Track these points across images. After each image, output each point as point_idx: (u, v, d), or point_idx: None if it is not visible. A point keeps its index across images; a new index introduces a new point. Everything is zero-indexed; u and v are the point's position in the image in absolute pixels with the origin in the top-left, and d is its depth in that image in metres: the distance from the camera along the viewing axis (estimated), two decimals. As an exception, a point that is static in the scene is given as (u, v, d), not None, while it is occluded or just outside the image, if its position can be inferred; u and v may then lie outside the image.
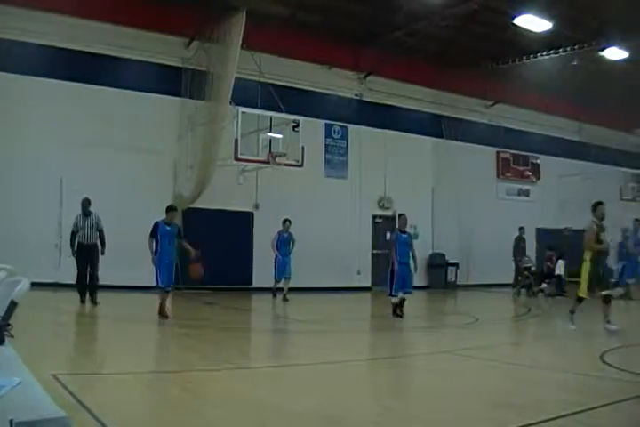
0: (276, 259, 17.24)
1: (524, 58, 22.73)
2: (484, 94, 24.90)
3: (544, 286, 20.65)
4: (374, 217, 22.36)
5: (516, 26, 20.75)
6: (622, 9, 22.09)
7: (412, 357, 9.33)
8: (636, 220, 21.16)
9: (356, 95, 22.15)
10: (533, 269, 21.73)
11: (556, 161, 27.30)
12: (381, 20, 20.42)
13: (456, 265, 23.33)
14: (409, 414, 5.59)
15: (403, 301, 13.23)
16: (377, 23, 20.60)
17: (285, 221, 17.43)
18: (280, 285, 17.35)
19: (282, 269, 17.21)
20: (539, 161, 27.32)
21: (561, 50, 22.15)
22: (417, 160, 23.19)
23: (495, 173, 26.18)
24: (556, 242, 21.85)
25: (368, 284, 21.49)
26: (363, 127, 22.01)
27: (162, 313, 11.71)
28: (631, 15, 21.93)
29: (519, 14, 20.16)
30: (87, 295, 13.69)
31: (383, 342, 11.00)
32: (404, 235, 13.68)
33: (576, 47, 21.93)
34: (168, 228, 11.92)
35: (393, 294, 13.21)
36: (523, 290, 21.06)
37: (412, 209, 22.54)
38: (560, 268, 20.70)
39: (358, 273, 21.09)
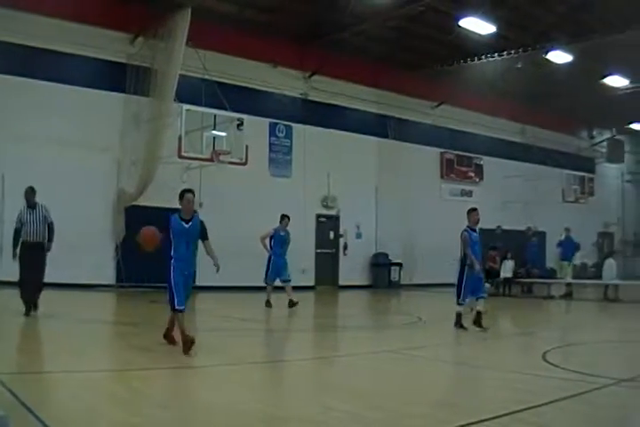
0: (269, 260, 16.00)
1: (469, 60, 24.25)
2: (429, 95, 26.40)
3: (487, 285, 21.92)
4: (318, 216, 23.57)
5: (461, 28, 22.15)
6: (566, 13, 23.73)
7: (355, 356, 9.41)
8: (566, 229, 22.61)
9: (301, 94, 23.26)
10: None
11: (499, 162, 28.95)
12: (327, 19, 21.61)
13: (400, 265, 24.65)
14: (350, 413, 5.72)
15: (479, 313, 12.04)
16: (323, 23, 21.79)
17: (284, 217, 16.31)
18: (270, 289, 16.06)
19: (277, 272, 15.97)
20: (482, 162, 29.00)
21: (505, 52, 23.71)
22: (361, 160, 24.41)
23: (439, 173, 27.68)
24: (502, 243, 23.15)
25: (312, 283, 22.68)
26: (307, 126, 23.14)
27: (168, 336, 9.18)
28: (575, 19, 23.60)
29: (464, 17, 21.57)
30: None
31: (327, 342, 11.40)
32: (474, 233, 12.36)
33: (520, 50, 23.51)
34: (186, 225, 8.68)
35: (459, 302, 12.04)
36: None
37: (355, 209, 23.97)
38: (507, 268, 22.05)
39: (302, 272, 22.06)
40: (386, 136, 25.27)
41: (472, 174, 28.68)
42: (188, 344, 8.32)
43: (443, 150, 27.72)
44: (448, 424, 5.32)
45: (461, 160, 28.31)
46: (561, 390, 6.67)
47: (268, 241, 15.98)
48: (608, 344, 11.11)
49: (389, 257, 24.42)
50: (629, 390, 7.05)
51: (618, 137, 36.31)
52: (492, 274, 22.32)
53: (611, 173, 37.25)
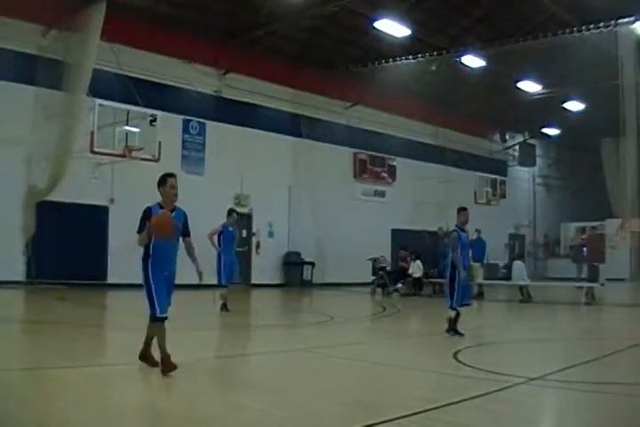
0: (219, 259, 15.11)
1: (384, 61, 25.38)
2: (344, 96, 27.44)
3: (399, 285, 23.18)
4: (231, 214, 24.03)
5: (376, 30, 23.31)
6: (481, 18, 25.10)
7: (267, 354, 9.64)
8: (477, 230, 23.87)
9: (216, 92, 23.92)
10: (388, 269, 24.19)
11: (412, 164, 30.25)
12: (242, 18, 22.47)
13: (312, 264, 25.58)
14: (261, 411, 5.91)
15: (458, 315, 11.83)
16: (238, 21, 22.60)
17: (232, 211, 15.78)
18: (227, 291, 15.25)
19: (231, 271, 15.23)
20: (395, 163, 30.24)
21: (420, 55, 24.89)
22: (275, 159, 25.27)
23: (352, 173, 28.75)
24: (412, 243, 24.30)
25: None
26: (221, 124, 23.82)
27: (146, 356, 7.77)
28: (489, 24, 24.97)
29: (379, 18, 22.77)
30: None
31: (238, 340, 11.63)
32: (464, 233, 12.08)
33: (435, 53, 24.76)
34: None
35: (453, 306, 11.69)
36: (378, 289, 23.59)
37: (268, 207, 24.76)
38: (416, 268, 23.12)
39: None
40: (300, 135, 26.14)
41: (385, 175, 29.82)
42: (169, 365, 7.19)
43: (356, 151, 28.75)
44: (359, 423, 5.46)
45: (374, 161, 29.40)
46: (472, 389, 6.94)
47: (216, 238, 15.11)
48: (518, 344, 11.66)
49: (302, 256, 25.32)
50: (539, 388, 7.37)
51: (530, 141, 38.32)
52: (403, 274, 23.47)
53: (522, 176, 39.26)
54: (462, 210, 12.22)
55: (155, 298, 7.42)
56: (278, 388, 7.05)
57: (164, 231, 7.49)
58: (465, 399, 6.46)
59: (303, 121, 26.32)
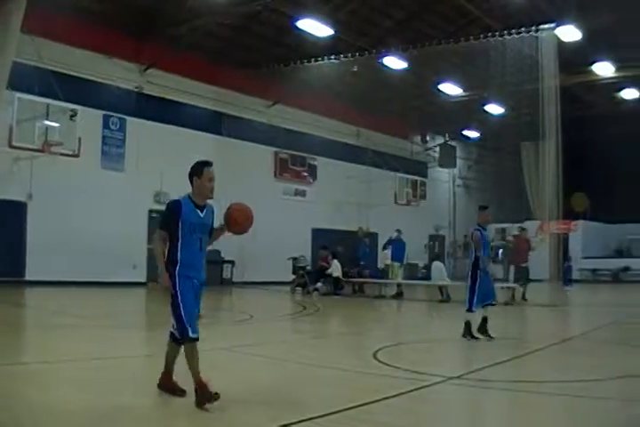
0: None
1: (306, 61, 26.24)
2: (265, 94, 28.35)
3: (319, 284, 24.12)
4: (151, 211, 24.66)
5: (299, 29, 24.24)
6: (403, 20, 26.23)
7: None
8: (397, 230, 24.97)
9: (137, 88, 24.46)
10: (308, 268, 25.12)
11: (333, 163, 31.33)
12: (164, 13, 23.14)
13: (232, 262, 26.37)
14: (180, 409, 6.11)
15: (485, 319, 11.58)
16: (160, 16, 23.27)
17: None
18: None
19: None
20: (316, 162, 31.32)
21: (342, 56, 25.82)
22: (196, 156, 24.96)
23: (273, 172, 29.65)
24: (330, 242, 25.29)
25: (143, 279, 23.88)
26: (142, 120, 24.38)
27: (168, 384, 6.70)
28: (412, 26, 26.13)
29: (302, 18, 23.71)
30: None
31: (160, 338, 11.90)
32: (485, 232, 11.97)
33: (357, 54, 25.71)
34: (201, 215, 6.56)
35: (472, 309, 11.47)
36: (298, 288, 24.55)
37: None
38: (335, 268, 24.07)
39: (134, 267, 23.42)
40: (221, 133, 26.81)
41: (306, 174, 30.84)
42: (207, 394, 6.05)
43: (277, 150, 29.62)
44: (278, 421, 5.57)
45: (295, 160, 30.35)
46: (392, 388, 7.12)
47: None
48: (438, 343, 11.96)
49: (222, 255, 25.82)
50: (457, 387, 7.62)
51: (450, 142, 39.83)
52: (323, 273, 24.39)
53: (442, 178, 40.92)
54: (483, 209, 12.19)
55: (183, 314, 6.34)
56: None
57: (243, 227, 6.84)
58: (384, 398, 6.65)
59: (225, 119, 27.09)
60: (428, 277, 25.53)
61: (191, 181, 6.58)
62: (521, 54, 23.85)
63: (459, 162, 41.24)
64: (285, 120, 29.28)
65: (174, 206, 6.49)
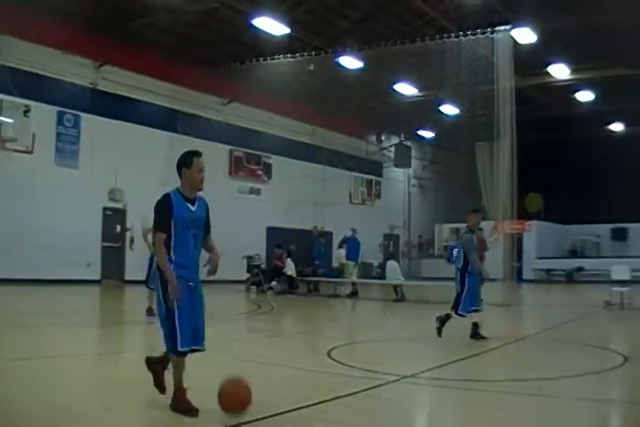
0: (151, 259, 13.70)
1: (262, 59, 26.42)
2: (221, 92, 28.58)
3: (273, 283, 24.47)
4: (105, 209, 24.92)
5: (254, 27, 24.49)
6: (359, 20, 26.65)
7: (143, 351, 9.25)
8: (352, 229, 25.38)
9: (91, 84, 24.47)
10: (263, 266, 25.45)
11: (288, 162, 31.70)
12: (120, 9, 23.15)
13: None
14: (129, 410, 6.16)
15: (448, 317, 11.80)
16: (115, 12, 23.25)
17: None
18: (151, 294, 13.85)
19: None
20: (271, 161, 31.65)
21: (298, 54, 26.08)
22: (150, 154, 25.69)
23: (228, 170, 29.89)
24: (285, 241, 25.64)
25: (98, 277, 24.09)
26: (97, 117, 24.41)
27: (183, 402, 6.10)
28: (367, 26, 26.54)
29: (258, 16, 23.94)
30: None
31: (114, 336, 12.18)
32: (474, 235, 12.01)
33: (313, 53, 25.96)
34: (192, 209, 6.24)
35: (460, 312, 11.58)
36: (253, 287, 24.88)
37: (142, 203, 24.96)
38: (289, 267, 24.42)
39: (88, 265, 23.52)
40: (176, 131, 26.83)
41: (261, 173, 31.13)
42: (193, 411, 5.91)
43: (232, 148, 29.89)
44: (232, 421, 5.64)
45: (250, 158, 30.63)
46: (346, 387, 7.24)
47: (151, 237, 14.59)
48: (392, 342, 12.15)
49: None
50: (411, 385, 7.80)
51: (405, 142, 40.48)
52: (278, 272, 24.76)
53: (397, 177, 41.52)
54: (474, 212, 12.19)
55: (177, 325, 5.88)
56: (149, 387, 6.88)
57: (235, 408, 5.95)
58: (338, 397, 6.75)
59: (180, 116, 27.18)
60: (382, 276, 25.83)
61: (179, 173, 6.25)
62: (476, 55, 24.29)
63: (414, 162, 41.84)
64: (241, 118, 29.53)
65: (166, 201, 6.07)
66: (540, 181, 38.53)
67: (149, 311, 13.80)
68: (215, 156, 28.59)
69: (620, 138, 40.47)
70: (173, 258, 6.02)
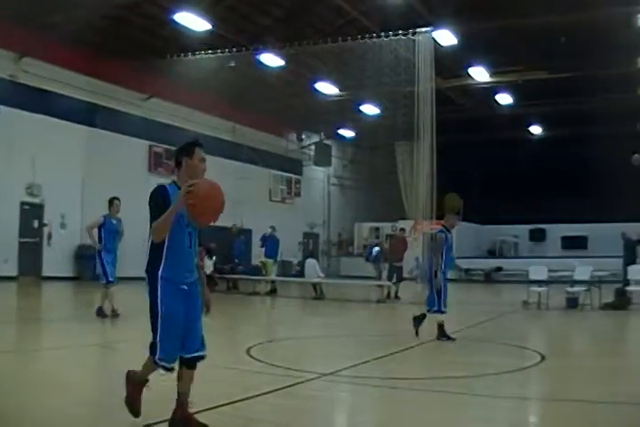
0: (99, 255, 14.51)
1: (183, 55, 26.83)
2: (141, 87, 28.76)
3: (194, 281, 24.75)
4: (22, 204, 24.76)
5: (176, 22, 24.79)
6: (281, 18, 27.23)
7: (62, 349, 9.87)
8: (272, 227, 25.96)
9: (11, 76, 24.35)
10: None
11: (208, 159, 31.19)
12: (42, 1, 23.01)
13: (106, 257, 26.33)
14: (53, 409, 6.27)
15: (424, 316, 12.24)
16: (37, 4, 23.02)
17: (114, 199, 14.76)
18: (107, 294, 14.36)
19: (110, 272, 14.36)
20: (191, 157, 31.52)
21: (219, 51, 26.51)
22: (69, 148, 25.95)
23: (147, 166, 30.05)
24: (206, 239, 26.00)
25: (14, 273, 23.95)
26: (15, 110, 24.19)
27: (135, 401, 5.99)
28: (289, 24, 27.14)
29: (179, 11, 24.24)
30: None
31: (33, 334, 12.10)
32: (450, 235, 12.28)
33: (234, 50, 26.44)
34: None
35: (443, 309, 12.02)
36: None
37: (61, 198, 25.40)
38: (208, 265, 24.89)
39: (5, 262, 23.45)
40: (96, 125, 26.98)
41: (179, 169, 31.16)
42: (131, 407, 5.86)
43: (152, 144, 30.06)
44: (147, 420, 5.70)
45: (170, 155, 30.36)
46: (265, 384, 7.39)
47: (96, 232, 14.33)
48: (311, 340, 12.43)
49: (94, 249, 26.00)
50: (331, 383, 7.98)
51: (325, 141, 41.13)
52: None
53: (317, 176, 42.18)
54: (454, 213, 12.81)
55: (160, 331, 5.53)
56: (73, 384, 7.06)
57: (211, 215, 5.71)
58: (257, 395, 6.88)
59: (100, 111, 27.28)
60: (302, 274, 26.27)
61: (178, 164, 5.87)
62: (398, 56, 25.03)
63: (334, 161, 42.58)
64: (161, 114, 29.74)
65: (162, 193, 5.62)
66: (459, 182, 39.64)
67: (109, 313, 13.96)
68: (134, 151, 28.87)
69: (538, 140, 42.14)
70: (165, 257, 5.61)
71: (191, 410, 5.67)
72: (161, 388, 5.91)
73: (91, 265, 25.72)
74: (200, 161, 5.83)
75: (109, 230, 14.39)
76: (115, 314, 14.04)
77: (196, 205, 5.42)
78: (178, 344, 5.59)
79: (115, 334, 12.31)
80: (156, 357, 5.54)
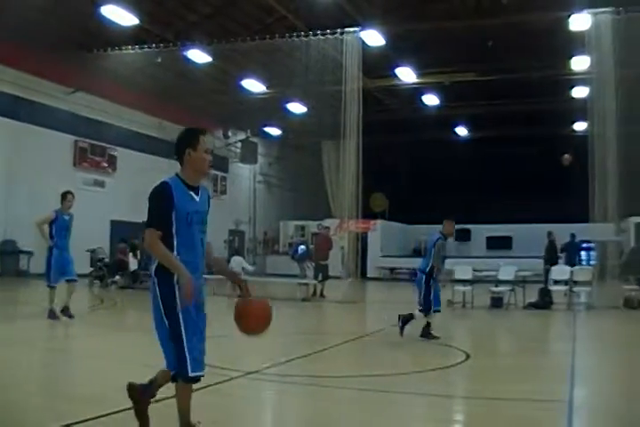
0: (50, 253, 13.79)
1: (110, 49, 26.98)
2: (67, 81, 28.67)
3: (117, 277, 25.11)
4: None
5: (102, 16, 24.75)
6: (209, 14, 27.52)
7: None
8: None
9: None
10: (107, 260, 26.01)
11: (134, 155, 32.18)
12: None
13: (30, 253, 26.12)
14: None
15: (412, 317, 12.55)
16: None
17: (67, 193, 14.19)
18: (54, 294, 13.76)
19: (62, 269, 13.72)
20: (117, 153, 32.01)
21: (146, 46, 26.73)
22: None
23: (72, 161, 30.01)
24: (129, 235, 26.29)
25: None
26: None
27: None
28: (217, 21, 27.46)
29: (106, 4, 24.23)
30: None
31: None
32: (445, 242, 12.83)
33: (162, 45, 26.66)
34: (197, 198, 5.41)
35: (435, 309, 12.53)
36: (96, 281, 25.32)
37: None
38: (133, 261, 25.18)
39: None
40: (19, 119, 26.81)
41: (106, 165, 31.40)
42: None
43: (77, 138, 30.00)
44: (63, 420, 5.61)
45: (95, 150, 30.81)
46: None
47: (47, 228, 13.70)
48: (236, 338, 10.98)
49: (18, 245, 25.99)
50: (256, 381, 8.11)
51: (252, 139, 41.42)
52: (121, 266, 25.40)
53: (243, 173, 42.55)
54: (450, 220, 12.92)
55: (185, 343, 5.13)
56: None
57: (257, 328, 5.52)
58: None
59: (23, 104, 27.08)
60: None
61: (180, 156, 5.36)
62: (325, 56, 25.57)
63: (260, 158, 42.91)
64: (86, 108, 29.70)
65: (165, 191, 5.17)
66: (386, 182, 40.51)
67: (51, 312, 13.41)
68: (59, 146, 28.78)
69: (465, 141, 43.22)
70: (178, 257, 5.12)
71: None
72: (86, 388, 6.23)
73: (13, 261, 25.98)
74: (206, 152, 5.32)
75: (61, 226, 13.70)
76: (68, 314, 13.50)
77: (235, 320, 5.35)
78: (203, 348, 5.25)
79: (33, 332, 12.06)
80: (189, 374, 5.11)
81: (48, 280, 13.66)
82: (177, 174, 5.33)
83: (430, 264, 12.38)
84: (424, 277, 12.43)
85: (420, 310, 12.40)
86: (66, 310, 13.52)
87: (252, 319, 5.45)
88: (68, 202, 13.82)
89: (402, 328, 12.28)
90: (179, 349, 5.09)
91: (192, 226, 5.19)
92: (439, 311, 12.71)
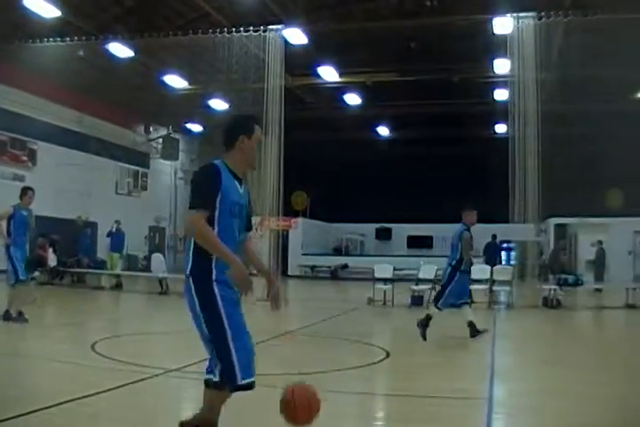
0: (8, 250, 13.49)
1: (31, 41, 26.80)
2: (-14, 73, 28.40)
3: (36, 273, 25.05)
4: None
5: (24, 7, 24.51)
6: (132, 8, 27.78)
7: None
8: (117, 221, 26.52)
9: None
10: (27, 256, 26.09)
11: (54, 149, 32.09)
12: None
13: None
14: None
15: (430, 317, 12.50)
16: None
17: (27, 189, 13.90)
18: (18, 293, 13.60)
19: (20, 270, 13.54)
20: (37, 147, 31.78)
21: (68, 39, 26.67)
22: None
23: (-10, 155, 29.69)
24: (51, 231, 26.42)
25: None
26: None
27: None
28: (140, 15, 27.76)
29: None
30: None
31: None
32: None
33: (83, 38, 26.67)
34: (240, 190, 5.17)
35: (439, 306, 12.56)
36: (14, 277, 25.13)
37: None
38: (52, 257, 25.33)
39: None
40: None
41: (25, 159, 31.16)
42: None
43: (-5, 132, 29.72)
44: None
45: (14, 143, 30.59)
46: (110, 381, 7.46)
47: (5, 224, 13.37)
48: (158, 335, 12.63)
49: None
50: (178, 379, 8.11)
51: (173, 135, 41.68)
52: (41, 262, 25.50)
53: (165, 170, 42.71)
54: (471, 210, 12.81)
55: (233, 349, 4.84)
56: None
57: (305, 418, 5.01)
58: (102, 391, 6.95)
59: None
60: (148, 268, 27.02)
61: (232, 143, 5.10)
62: (248, 53, 26.00)
63: (181, 155, 43.16)
64: (6, 101, 29.49)
65: (216, 174, 4.86)
66: (308, 180, 41.13)
67: (6, 314, 13.05)
68: (-24, 139, 28.84)
69: (386, 141, 44.15)
70: (215, 256, 4.78)
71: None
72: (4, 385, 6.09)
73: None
74: (259, 142, 5.17)
75: (20, 222, 13.31)
76: (23, 318, 13.11)
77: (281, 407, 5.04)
78: (252, 355, 5.00)
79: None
80: (238, 380, 4.81)
81: (15, 277, 13.36)
82: (223, 161, 5.02)
83: (458, 257, 12.39)
84: (449, 269, 12.50)
85: (435, 306, 12.59)
86: (7, 314, 13.22)
87: (299, 414, 5.03)
88: (29, 198, 13.46)
89: (423, 333, 12.32)
90: (225, 353, 4.80)
91: (234, 217, 4.91)
92: (467, 304, 12.74)
